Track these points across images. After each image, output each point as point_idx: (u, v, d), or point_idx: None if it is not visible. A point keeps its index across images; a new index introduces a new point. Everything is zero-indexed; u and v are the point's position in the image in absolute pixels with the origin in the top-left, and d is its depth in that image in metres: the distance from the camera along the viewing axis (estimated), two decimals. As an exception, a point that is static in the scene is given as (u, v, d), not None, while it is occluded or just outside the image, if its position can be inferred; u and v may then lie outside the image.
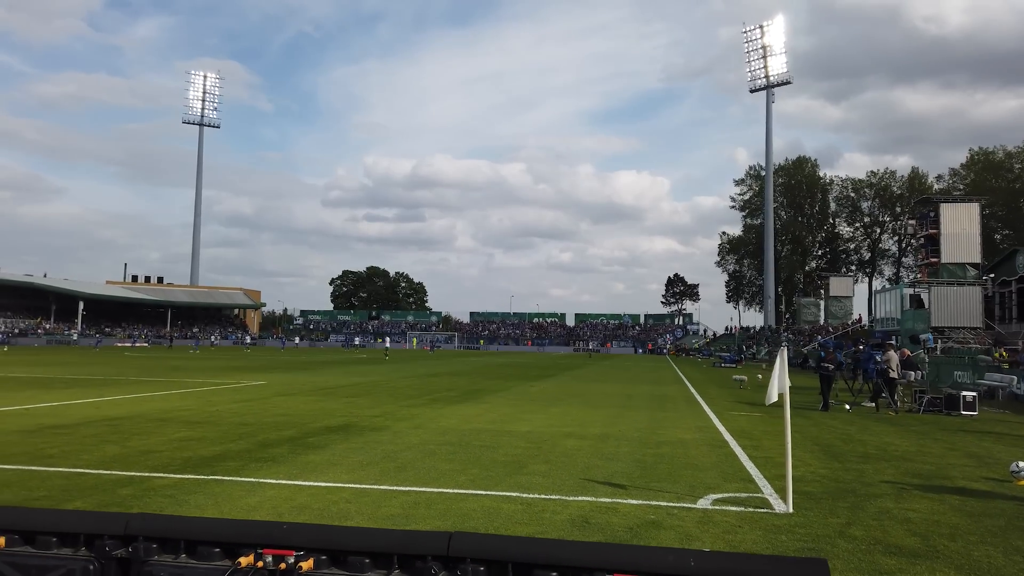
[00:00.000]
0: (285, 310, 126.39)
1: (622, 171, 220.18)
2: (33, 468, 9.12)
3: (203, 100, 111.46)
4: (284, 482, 8.58)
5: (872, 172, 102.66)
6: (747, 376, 29.31)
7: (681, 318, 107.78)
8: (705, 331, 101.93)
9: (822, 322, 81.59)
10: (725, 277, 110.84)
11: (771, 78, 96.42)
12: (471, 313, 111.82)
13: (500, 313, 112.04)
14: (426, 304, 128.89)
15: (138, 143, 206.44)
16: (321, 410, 16.41)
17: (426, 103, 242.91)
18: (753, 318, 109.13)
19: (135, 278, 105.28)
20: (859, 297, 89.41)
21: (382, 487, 8.37)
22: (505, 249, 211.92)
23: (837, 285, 77.50)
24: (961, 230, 45.09)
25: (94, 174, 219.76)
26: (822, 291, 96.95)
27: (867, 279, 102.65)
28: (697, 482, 9.06)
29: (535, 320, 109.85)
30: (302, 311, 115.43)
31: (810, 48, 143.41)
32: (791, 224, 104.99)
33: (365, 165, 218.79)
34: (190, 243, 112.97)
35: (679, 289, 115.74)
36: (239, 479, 8.70)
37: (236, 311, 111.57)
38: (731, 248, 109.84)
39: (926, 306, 40.65)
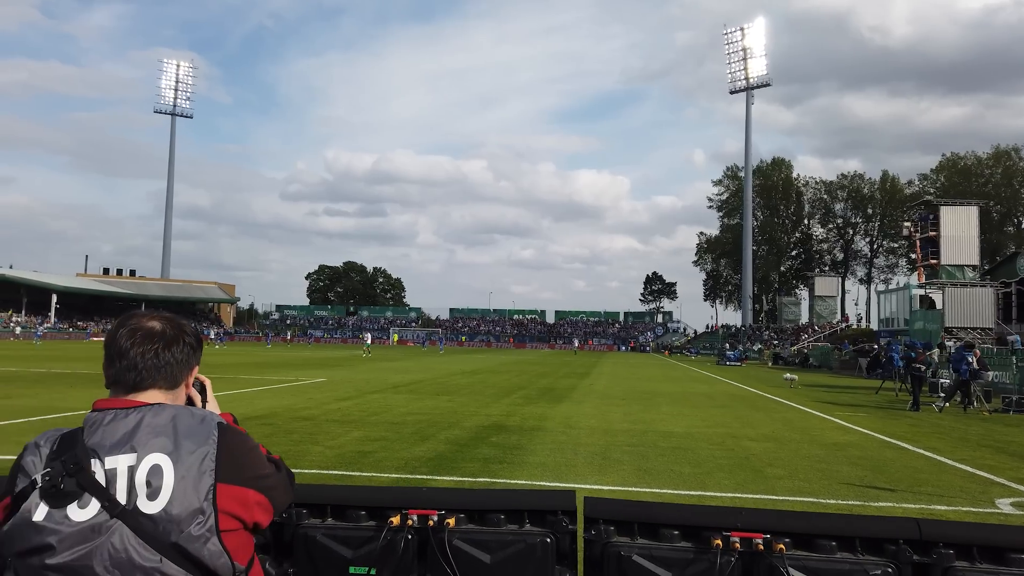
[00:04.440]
0: (251, 305, 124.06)
1: (582, 170, 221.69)
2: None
3: (175, 89, 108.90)
4: (557, 485, 8.39)
5: (843, 175, 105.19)
6: (797, 376, 29.78)
7: (661, 316, 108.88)
8: (685, 329, 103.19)
9: (804, 321, 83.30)
10: (703, 276, 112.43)
11: (751, 80, 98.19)
12: (451, 309, 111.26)
13: (480, 310, 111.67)
14: (404, 300, 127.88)
15: (90, 133, 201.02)
16: (441, 408, 16.09)
17: (388, 98, 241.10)
18: (729, 316, 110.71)
19: (106, 271, 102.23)
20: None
21: (666, 490, 8.25)
22: (467, 245, 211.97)
23: (822, 285, 79.09)
24: (960, 232, 46.44)
25: (44, 164, 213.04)
26: (796, 291, 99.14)
27: (840, 279, 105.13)
28: (959, 486, 9.11)
29: (515, 317, 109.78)
30: (277, 306, 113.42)
31: (766, 53, 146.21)
32: (767, 225, 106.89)
33: (326, 159, 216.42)
34: (144, 235, 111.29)
35: (657, 287, 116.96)
36: (511, 481, 8.49)
37: (211, 305, 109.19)
38: (708, 248, 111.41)
39: (939, 307, 41.68)
